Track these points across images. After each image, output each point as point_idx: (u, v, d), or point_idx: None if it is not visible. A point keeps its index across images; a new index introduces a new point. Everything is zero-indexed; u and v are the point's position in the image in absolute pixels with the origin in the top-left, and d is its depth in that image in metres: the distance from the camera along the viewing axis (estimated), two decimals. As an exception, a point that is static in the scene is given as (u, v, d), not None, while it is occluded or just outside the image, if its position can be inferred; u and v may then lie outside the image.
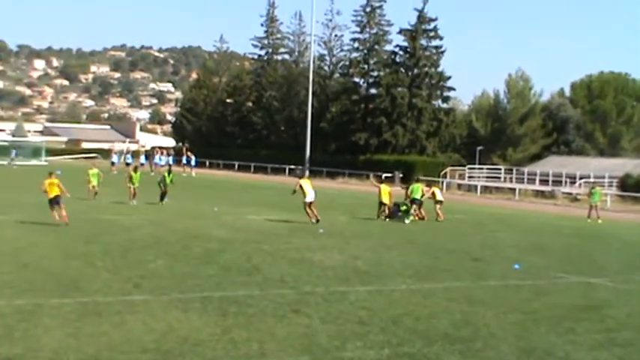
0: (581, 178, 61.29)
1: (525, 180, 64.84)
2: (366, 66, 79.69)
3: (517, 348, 11.21)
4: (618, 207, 49.45)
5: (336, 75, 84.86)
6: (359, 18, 79.39)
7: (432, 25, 75.80)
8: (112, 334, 11.00)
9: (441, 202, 33.46)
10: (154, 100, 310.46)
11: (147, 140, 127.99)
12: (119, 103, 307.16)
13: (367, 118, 76.67)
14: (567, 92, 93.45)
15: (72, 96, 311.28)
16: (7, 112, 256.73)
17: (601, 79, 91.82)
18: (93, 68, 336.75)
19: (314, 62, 79.90)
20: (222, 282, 15.44)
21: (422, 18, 75.21)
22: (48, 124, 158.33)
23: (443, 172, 65.45)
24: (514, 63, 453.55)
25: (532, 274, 18.39)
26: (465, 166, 71.26)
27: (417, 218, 31.91)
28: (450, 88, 77.98)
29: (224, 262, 18.09)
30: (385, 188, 32.07)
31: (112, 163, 64.68)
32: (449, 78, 76.77)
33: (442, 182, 58.45)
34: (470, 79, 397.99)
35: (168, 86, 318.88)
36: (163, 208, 32.16)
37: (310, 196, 28.54)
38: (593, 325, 13.07)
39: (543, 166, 71.60)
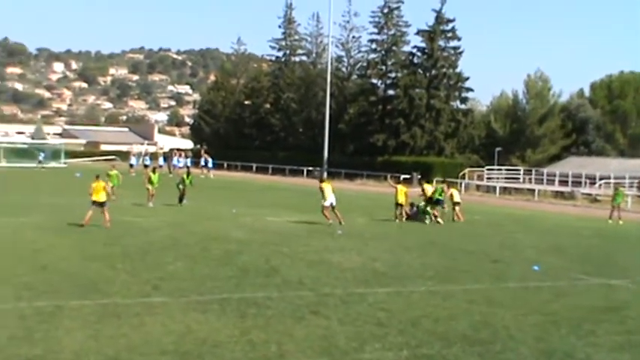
0: (601, 179, 60.83)
1: (544, 181, 64.47)
2: (383, 67, 79.48)
3: (537, 350, 11.15)
4: (639, 208, 49.06)
5: (354, 76, 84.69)
6: (376, 19, 79.22)
7: (450, 25, 75.53)
8: (132, 335, 11.04)
9: (458, 203, 33.37)
10: (172, 103, 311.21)
11: (165, 142, 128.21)
12: (137, 106, 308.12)
13: (385, 120, 76.47)
14: (587, 93, 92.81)
15: (90, 98, 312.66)
16: (26, 115, 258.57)
17: (621, 79, 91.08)
18: (111, 71, 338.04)
19: (331, 64, 79.82)
20: (241, 284, 15.46)
21: (440, 19, 74.96)
22: (67, 127, 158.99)
23: (461, 173, 65.19)
24: (533, 63, 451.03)
25: (552, 276, 18.29)
26: (483, 167, 70.93)
27: (437, 219, 32.00)
28: (469, 89, 77.73)
29: (242, 263, 18.11)
30: (402, 189, 32.03)
31: (131, 165, 64.89)
32: (467, 79, 76.55)
33: (460, 183, 58.21)
34: (488, 79, 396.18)
35: (187, 88, 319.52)
36: (181, 210, 32.26)
37: (330, 200, 28.64)
38: (614, 326, 12.98)
39: (563, 166, 71.15)
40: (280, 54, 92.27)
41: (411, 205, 32.65)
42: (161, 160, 69.66)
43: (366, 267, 18.39)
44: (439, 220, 31.64)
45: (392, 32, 78.71)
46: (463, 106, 77.79)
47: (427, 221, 30.90)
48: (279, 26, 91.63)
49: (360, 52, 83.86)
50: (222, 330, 11.52)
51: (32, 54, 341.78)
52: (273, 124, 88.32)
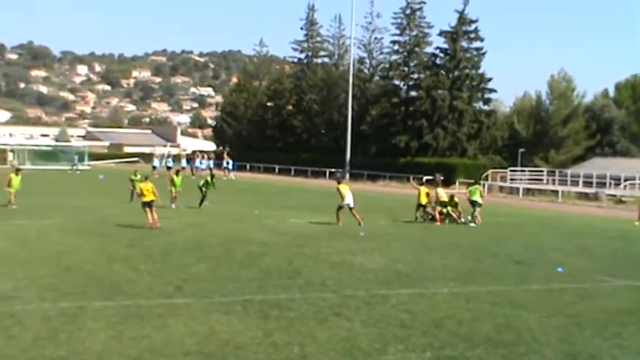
0: (626, 180, 60.35)
1: (568, 182, 64.02)
2: (406, 68, 79.33)
3: (561, 352, 11.06)
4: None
5: (376, 78, 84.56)
6: (399, 20, 79.04)
7: (473, 26, 75.30)
8: (154, 336, 11.08)
9: (480, 205, 33.21)
10: (195, 105, 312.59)
11: (188, 144, 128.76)
12: (160, 108, 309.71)
13: (407, 121, 76.30)
14: (611, 93, 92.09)
15: (114, 101, 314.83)
16: (51, 118, 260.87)
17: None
18: (134, 73, 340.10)
19: (354, 65, 79.80)
20: (264, 285, 15.46)
21: (462, 19, 74.72)
22: (90, 129, 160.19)
23: (484, 174, 64.91)
24: (556, 64, 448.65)
25: (576, 278, 18.13)
26: (506, 168, 70.58)
27: (458, 219, 31.98)
28: (491, 90, 77.46)
29: (265, 265, 18.12)
30: (424, 190, 31.97)
31: (154, 167, 65.22)
32: (490, 80, 76.30)
33: (484, 185, 57.93)
34: (511, 80, 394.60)
35: (209, 90, 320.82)
36: (204, 212, 32.37)
37: (347, 200, 28.72)
38: (640, 329, 12.84)
39: (587, 167, 70.61)
40: (302, 56, 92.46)
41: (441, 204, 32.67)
42: (184, 162, 69.93)
43: (388, 268, 18.33)
44: (471, 221, 31.52)
45: (414, 33, 78.54)
46: (486, 107, 77.55)
47: (472, 224, 30.92)
48: (301, 28, 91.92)
49: (382, 53, 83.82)
50: (245, 331, 11.52)
51: (56, 57, 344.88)
52: (295, 125, 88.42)
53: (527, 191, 60.38)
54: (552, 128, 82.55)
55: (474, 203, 31.93)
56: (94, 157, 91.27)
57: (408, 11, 78.47)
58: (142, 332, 11.28)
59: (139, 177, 36.96)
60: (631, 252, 25.02)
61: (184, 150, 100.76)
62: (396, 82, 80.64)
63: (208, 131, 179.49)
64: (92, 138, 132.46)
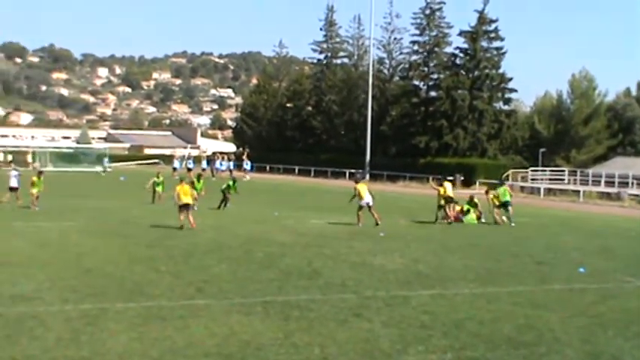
0: (648, 180, 59.99)
1: (590, 182, 63.64)
2: (425, 69, 79.15)
3: (583, 352, 10.99)
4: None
5: (396, 78, 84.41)
6: (418, 20, 78.87)
7: (493, 26, 75.02)
8: (175, 338, 11.12)
9: (511, 204, 33.09)
10: (215, 106, 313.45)
11: (208, 146, 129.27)
12: (180, 109, 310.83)
13: (427, 121, 76.10)
14: (634, 91, 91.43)
15: (134, 103, 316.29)
16: (72, 120, 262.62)
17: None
18: (154, 75, 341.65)
19: (373, 66, 79.72)
20: (284, 286, 15.48)
21: (482, 19, 74.47)
22: (111, 131, 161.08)
23: (505, 174, 64.66)
24: (577, 63, 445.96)
25: (598, 278, 18.01)
26: (527, 168, 70.32)
27: (478, 219, 31.94)
28: (512, 90, 77.09)
29: (285, 266, 18.15)
30: (443, 189, 31.92)
31: (174, 169, 65.46)
32: (510, 79, 75.95)
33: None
34: (532, 80, 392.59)
35: (229, 92, 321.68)
36: (224, 213, 32.46)
37: (366, 200, 28.80)
38: (663, 329, 12.74)
39: (609, 167, 70.17)
40: (322, 56, 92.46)
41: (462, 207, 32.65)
42: (204, 164, 70.17)
43: (408, 269, 18.30)
44: (511, 222, 31.44)
45: (434, 33, 78.36)
46: (506, 107, 77.25)
47: (512, 224, 31.03)
48: (321, 29, 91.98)
49: (401, 53, 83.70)
50: (266, 332, 11.54)
51: (77, 60, 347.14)
52: (315, 126, 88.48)
53: (549, 191, 60.06)
54: (573, 128, 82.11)
55: (506, 204, 31.86)
56: (115, 158, 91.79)
57: (427, 11, 78.30)
58: (163, 333, 11.33)
59: (161, 179, 37.38)
60: (654, 252, 24.81)
61: (204, 151, 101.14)
62: (416, 82, 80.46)
63: (228, 133, 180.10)
64: (113, 140, 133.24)
